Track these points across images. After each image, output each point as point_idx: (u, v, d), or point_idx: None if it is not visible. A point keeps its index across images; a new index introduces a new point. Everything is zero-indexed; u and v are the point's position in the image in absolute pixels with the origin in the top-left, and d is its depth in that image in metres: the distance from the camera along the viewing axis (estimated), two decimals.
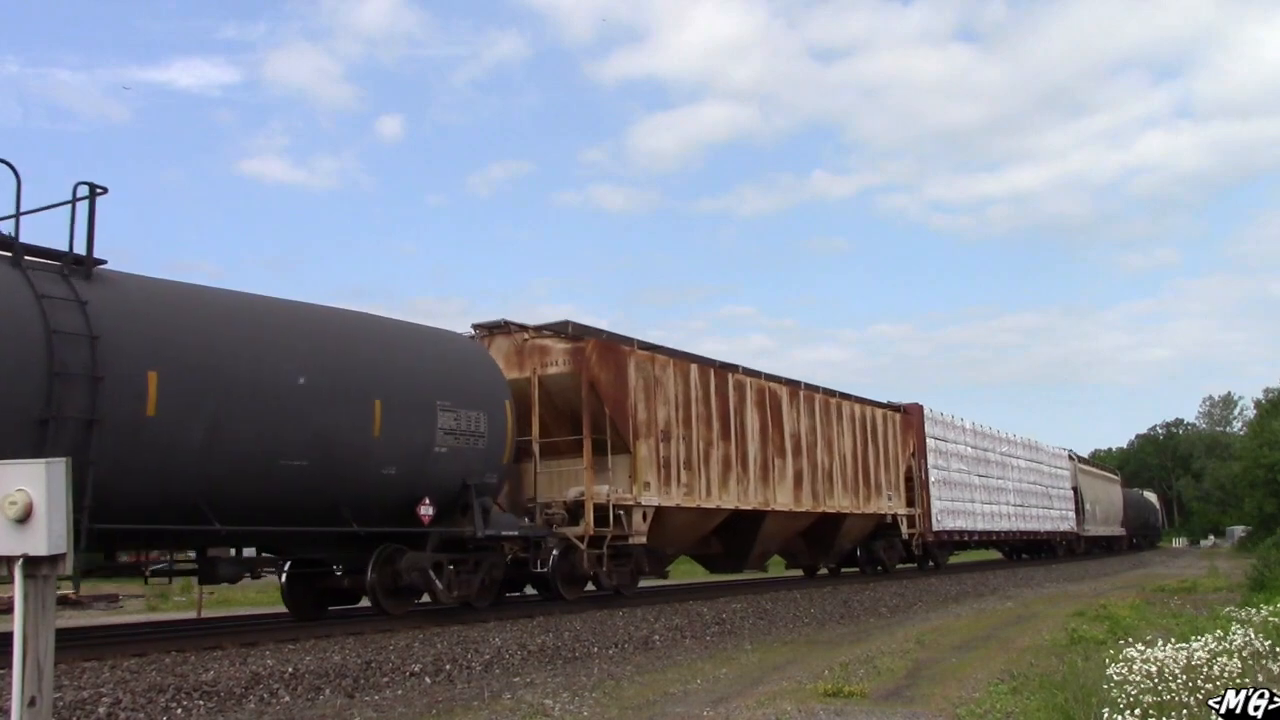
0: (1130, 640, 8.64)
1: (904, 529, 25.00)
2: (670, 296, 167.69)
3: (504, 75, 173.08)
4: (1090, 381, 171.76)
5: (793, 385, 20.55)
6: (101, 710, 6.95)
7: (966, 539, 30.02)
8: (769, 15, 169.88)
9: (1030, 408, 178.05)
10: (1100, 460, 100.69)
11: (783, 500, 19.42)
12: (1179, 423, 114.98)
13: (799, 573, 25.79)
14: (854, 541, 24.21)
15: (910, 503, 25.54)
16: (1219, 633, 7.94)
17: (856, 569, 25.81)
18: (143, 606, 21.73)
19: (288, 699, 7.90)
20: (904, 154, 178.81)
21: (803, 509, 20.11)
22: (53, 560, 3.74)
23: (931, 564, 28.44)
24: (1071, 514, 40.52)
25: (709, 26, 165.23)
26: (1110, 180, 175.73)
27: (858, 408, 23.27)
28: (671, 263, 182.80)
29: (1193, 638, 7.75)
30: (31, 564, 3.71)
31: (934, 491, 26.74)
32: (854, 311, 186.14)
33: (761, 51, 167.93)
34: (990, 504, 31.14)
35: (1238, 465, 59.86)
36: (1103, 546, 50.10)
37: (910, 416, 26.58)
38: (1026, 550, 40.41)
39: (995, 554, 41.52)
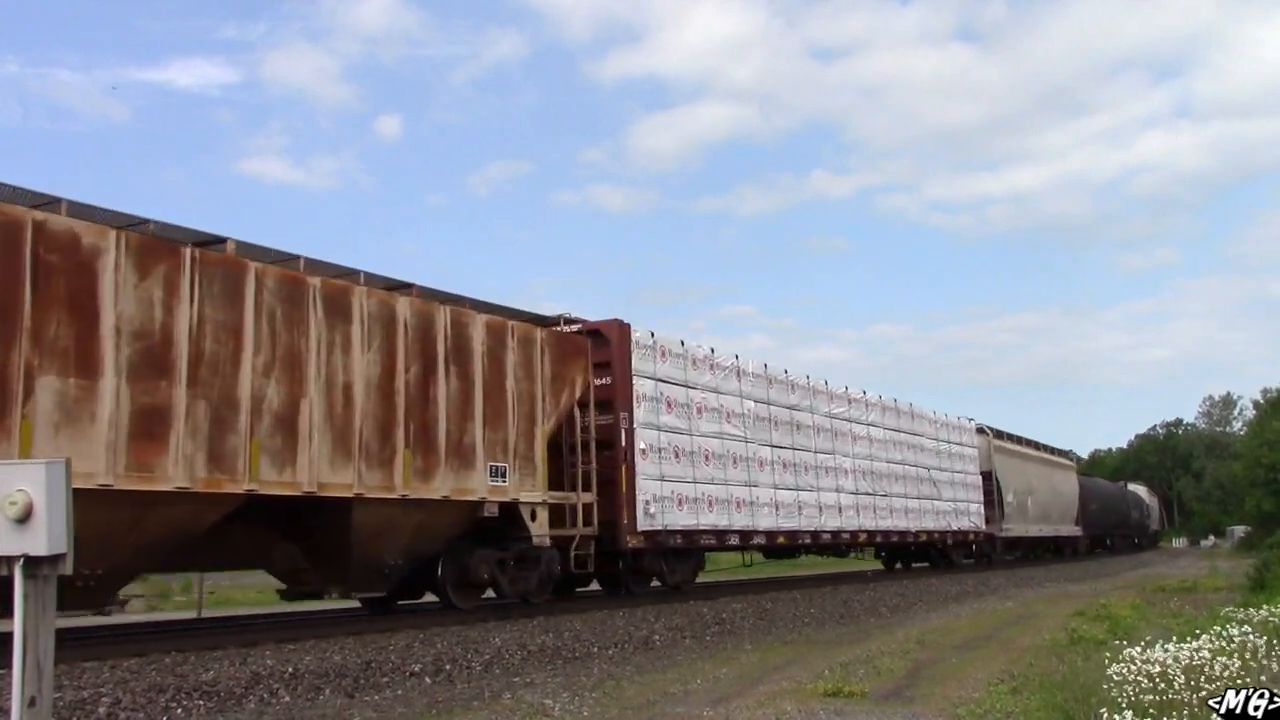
0: (1130, 640, 8.64)
1: (537, 527, 13.95)
2: (670, 296, 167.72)
3: (503, 75, 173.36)
4: (1090, 381, 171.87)
5: (158, 241, 10.12)
6: (101, 710, 6.95)
7: (737, 541, 18.91)
8: (768, 14, 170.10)
9: (1030, 408, 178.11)
10: (1101, 460, 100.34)
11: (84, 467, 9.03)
12: (1179, 423, 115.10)
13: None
14: (406, 551, 12.39)
15: (575, 484, 15.06)
16: (1220, 630, 7.94)
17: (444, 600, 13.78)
18: (143, 606, 21.75)
19: (288, 699, 7.90)
20: (903, 154, 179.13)
21: (163, 487, 9.68)
22: (53, 560, 3.74)
23: (659, 584, 17.82)
24: (980, 507, 30.53)
25: (708, 26, 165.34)
26: (1110, 180, 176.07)
27: (409, 307, 12.33)
28: (671, 263, 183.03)
29: (1191, 637, 7.75)
30: (32, 564, 3.71)
31: (645, 466, 16.05)
32: (854, 311, 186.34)
33: (761, 51, 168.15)
34: (799, 490, 20.73)
35: (1238, 465, 59.82)
36: (1050, 549, 41.50)
37: (582, 340, 15.53)
38: (909, 555, 30.55)
39: (868, 561, 29.65)
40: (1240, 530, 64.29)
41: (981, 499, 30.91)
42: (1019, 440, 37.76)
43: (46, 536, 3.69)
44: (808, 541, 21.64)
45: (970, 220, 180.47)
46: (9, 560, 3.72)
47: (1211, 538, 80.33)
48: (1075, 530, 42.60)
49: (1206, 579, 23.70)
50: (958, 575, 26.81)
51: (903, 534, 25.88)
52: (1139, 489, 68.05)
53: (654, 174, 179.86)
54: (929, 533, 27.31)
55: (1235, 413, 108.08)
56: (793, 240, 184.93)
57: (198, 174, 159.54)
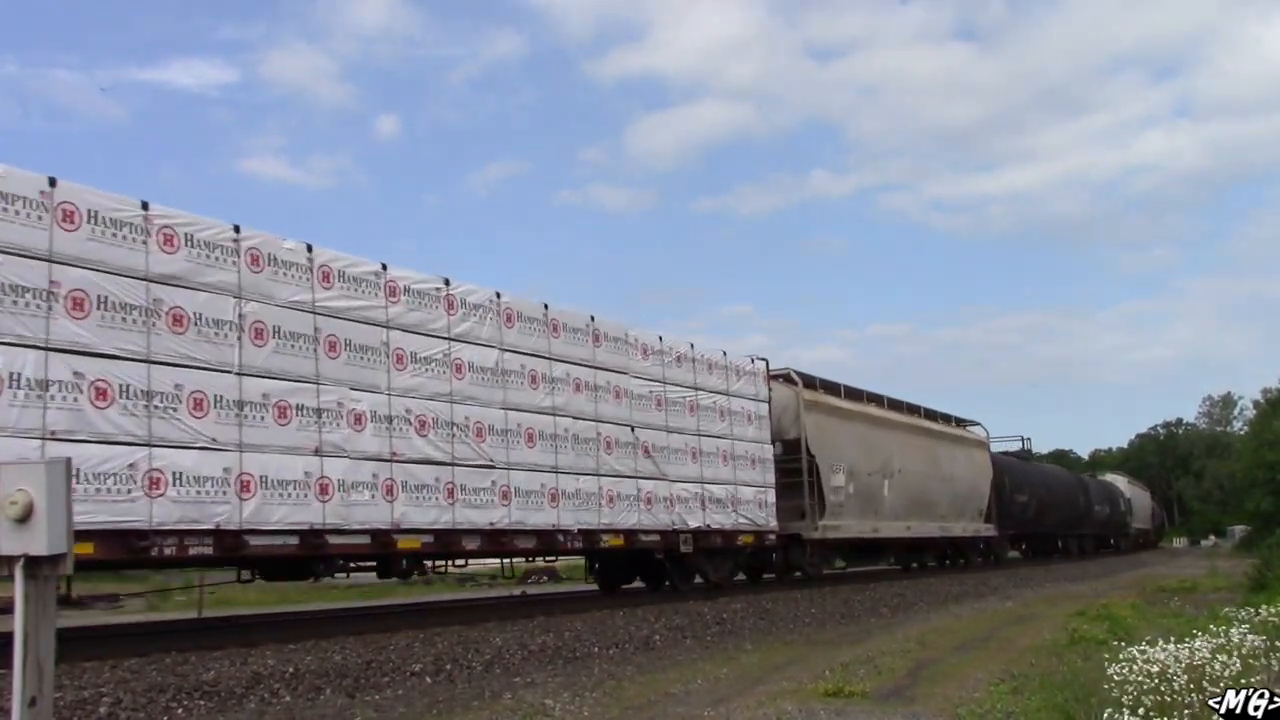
0: (1130, 640, 8.65)
1: None
2: (669, 296, 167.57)
3: (501, 74, 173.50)
4: (1090, 381, 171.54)
5: None
6: (102, 710, 6.95)
7: None
8: (767, 13, 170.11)
9: (1031, 408, 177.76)
10: (1102, 459, 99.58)
11: None
12: (1179, 423, 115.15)
13: None
14: None
15: None
16: (1220, 629, 7.95)
17: None
18: (143, 606, 21.73)
19: (288, 699, 7.90)
20: (902, 153, 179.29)
21: None
22: (53, 560, 3.74)
23: None
24: (768, 494, 19.13)
25: (707, 25, 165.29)
26: (1109, 179, 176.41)
27: None
28: (670, 262, 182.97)
29: (1191, 637, 7.75)
30: (32, 564, 3.72)
31: None
32: (853, 311, 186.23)
33: (759, 50, 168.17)
34: (152, 445, 9.83)
35: (1238, 465, 59.75)
36: (947, 555, 30.83)
37: None
38: (646, 568, 18.42)
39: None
40: (1240, 530, 64.22)
41: (772, 481, 19.33)
42: (865, 397, 25.01)
43: (47, 536, 3.69)
44: (197, 549, 10.27)
45: (969, 220, 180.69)
46: (9, 560, 3.72)
47: (1212, 537, 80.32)
48: (984, 529, 30.83)
49: (1206, 579, 23.70)
50: (959, 575, 26.64)
51: (549, 534, 14.19)
52: (1117, 479, 56.89)
53: (653, 173, 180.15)
54: (633, 533, 15.64)
55: (1235, 412, 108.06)
56: (792, 240, 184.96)
57: (196, 173, 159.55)
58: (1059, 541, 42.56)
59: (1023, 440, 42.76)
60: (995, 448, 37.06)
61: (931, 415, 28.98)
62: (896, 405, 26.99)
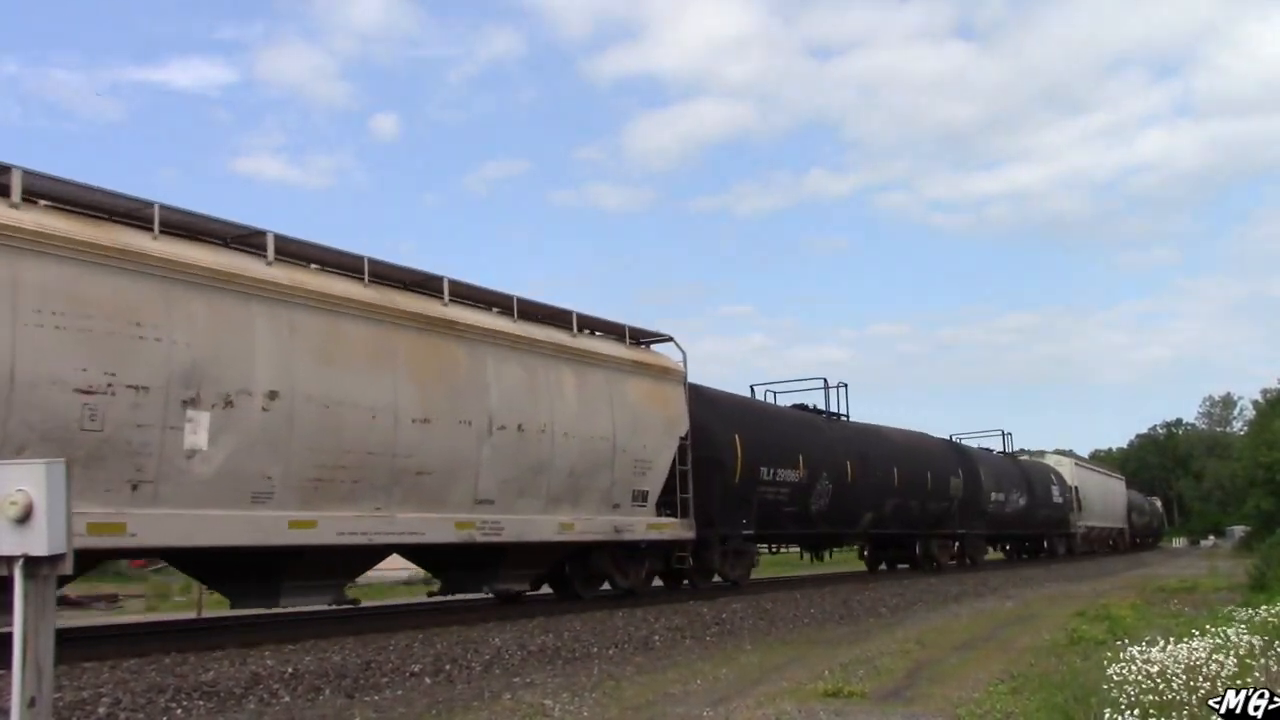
0: (1130, 640, 8.65)
1: None
2: (668, 296, 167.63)
3: (500, 73, 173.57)
4: (1090, 381, 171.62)
5: None
6: (101, 710, 6.95)
7: None
8: (766, 12, 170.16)
9: (1030, 408, 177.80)
10: (1101, 460, 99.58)
11: None
12: (1179, 423, 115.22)
13: None
14: None
15: None
16: (1220, 630, 7.95)
17: None
18: (142, 607, 21.74)
19: (287, 699, 7.90)
20: (902, 152, 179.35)
21: None
22: (53, 560, 3.74)
23: None
24: None
25: (705, 23, 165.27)
26: (1109, 178, 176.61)
27: None
28: (669, 262, 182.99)
29: (1191, 637, 7.75)
30: (31, 564, 3.72)
31: None
32: (852, 311, 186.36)
33: (758, 48, 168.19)
34: None
35: (1238, 465, 59.78)
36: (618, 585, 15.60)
37: None
38: None
39: None
40: (1240, 530, 64.19)
41: None
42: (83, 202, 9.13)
43: (47, 536, 3.69)
44: None
45: (969, 219, 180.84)
46: (9, 560, 3.72)
47: (1211, 538, 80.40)
48: (650, 527, 15.85)
49: (1206, 579, 23.71)
50: (958, 575, 26.61)
51: None
52: (1060, 461, 42.49)
53: (651, 172, 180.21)
54: None
55: (1235, 413, 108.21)
56: (791, 239, 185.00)
57: (194, 172, 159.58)
58: (918, 544, 28.08)
59: (828, 387, 24.31)
60: (786, 399, 23.71)
61: (480, 297, 13.81)
62: (292, 252, 11.22)
